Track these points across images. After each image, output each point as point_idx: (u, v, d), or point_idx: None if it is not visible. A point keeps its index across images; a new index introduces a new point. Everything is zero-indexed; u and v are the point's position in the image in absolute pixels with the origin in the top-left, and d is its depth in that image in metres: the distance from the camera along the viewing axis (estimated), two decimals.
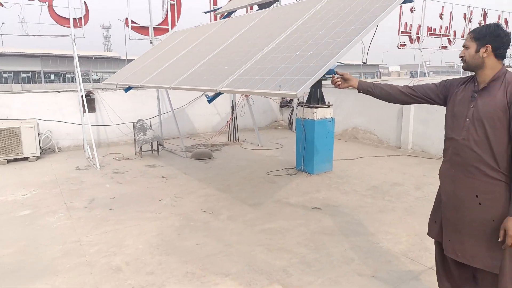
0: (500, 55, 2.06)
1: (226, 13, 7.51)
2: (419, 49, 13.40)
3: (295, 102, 10.09)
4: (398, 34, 12.82)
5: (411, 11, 12.74)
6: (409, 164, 6.71)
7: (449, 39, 14.58)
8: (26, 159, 7.22)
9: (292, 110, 10.59)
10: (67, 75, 47.33)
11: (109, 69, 45.45)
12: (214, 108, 10.16)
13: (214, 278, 3.14)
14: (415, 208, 4.60)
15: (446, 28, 14.08)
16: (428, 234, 2.49)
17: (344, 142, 8.79)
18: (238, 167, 6.69)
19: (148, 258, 3.49)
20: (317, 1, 3.98)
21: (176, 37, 7.21)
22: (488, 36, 2.03)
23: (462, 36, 14.36)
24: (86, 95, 8.06)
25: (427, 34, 13.55)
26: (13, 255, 3.57)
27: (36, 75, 46.45)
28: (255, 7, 7.30)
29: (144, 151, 7.59)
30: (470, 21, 14.57)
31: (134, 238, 3.90)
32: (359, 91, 2.53)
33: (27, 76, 45.94)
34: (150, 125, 7.71)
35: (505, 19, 16.15)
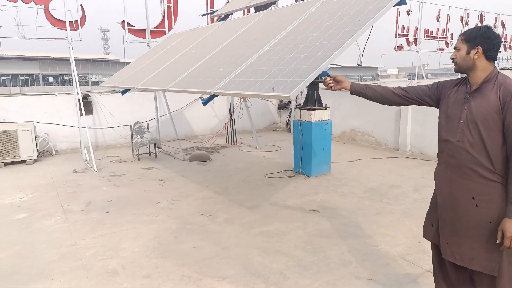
0: (491, 56, 2.06)
1: (223, 16, 7.52)
2: (416, 51, 13.44)
3: (293, 104, 10.09)
4: (396, 37, 12.86)
5: (408, 13, 12.79)
6: (407, 166, 6.71)
7: (446, 42, 14.64)
8: (23, 162, 7.19)
9: (290, 113, 10.59)
10: (65, 78, 47.29)
11: (108, 71, 45.45)
12: (212, 110, 10.16)
13: (210, 281, 3.12)
14: (413, 210, 4.59)
15: (443, 30, 14.14)
16: (424, 236, 2.48)
17: (342, 144, 8.79)
18: (236, 169, 6.67)
19: (144, 261, 3.47)
20: (311, 3, 3.99)
21: (173, 40, 7.21)
22: (479, 38, 2.04)
23: None
24: (83, 98, 8.04)
25: (424, 37, 13.60)
26: (8, 259, 3.54)
27: (35, 78, 46.39)
28: (252, 10, 7.31)
29: (141, 154, 7.57)
30: (467, 23, 14.63)
31: (131, 241, 3.87)
32: (351, 93, 2.53)
33: (25, 79, 45.88)
34: (148, 128, 7.69)
35: (502, 21, 16.23)
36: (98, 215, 4.60)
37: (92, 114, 8.45)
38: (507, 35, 16.76)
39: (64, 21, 7.17)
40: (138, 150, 7.38)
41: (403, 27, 13.06)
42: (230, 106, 8.91)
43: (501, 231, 1.99)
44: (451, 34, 14.80)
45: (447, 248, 2.24)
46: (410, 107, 7.38)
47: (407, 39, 13.24)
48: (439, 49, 14.61)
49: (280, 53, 3.20)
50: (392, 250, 3.60)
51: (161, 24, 8.87)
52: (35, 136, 7.33)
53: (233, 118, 8.88)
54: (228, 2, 8.91)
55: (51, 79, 47.86)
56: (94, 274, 3.26)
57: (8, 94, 8.09)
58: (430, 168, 6.68)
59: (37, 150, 7.37)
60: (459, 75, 2.15)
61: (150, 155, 7.69)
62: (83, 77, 48.86)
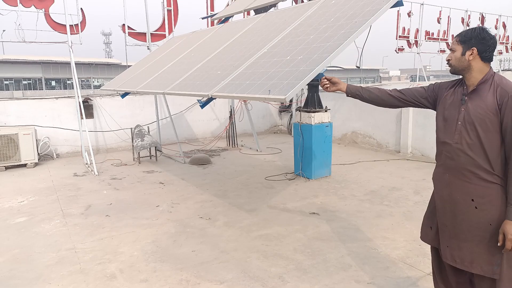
0: (486, 58, 2.06)
1: (223, 18, 7.53)
2: (417, 53, 13.40)
3: (294, 106, 10.08)
4: (396, 39, 12.82)
5: (409, 15, 12.77)
6: (408, 168, 6.67)
7: (447, 43, 14.58)
8: (24, 165, 7.20)
9: (291, 115, 10.58)
10: (68, 82, 47.47)
11: (110, 75, 45.60)
12: (213, 113, 10.16)
13: (208, 285, 3.10)
14: (413, 213, 4.56)
15: (444, 32, 14.09)
16: (422, 239, 2.46)
17: (343, 146, 8.76)
18: (236, 172, 6.66)
19: (142, 265, 3.45)
20: (310, 5, 3.98)
21: (173, 43, 7.22)
22: (474, 39, 2.04)
23: None
24: (84, 101, 8.06)
25: (425, 38, 13.56)
26: (6, 263, 3.53)
27: (37, 82, 46.62)
28: (252, 13, 7.32)
29: (142, 157, 7.57)
30: (468, 25, 14.58)
31: (130, 245, 3.86)
32: (347, 95, 2.52)
33: (28, 82, 46.11)
34: (148, 131, 7.69)
35: (503, 23, 16.17)
36: (97, 218, 4.59)
37: (93, 118, 8.47)
38: (508, 36, 16.69)
39: (65, 25, 7.19)
40: (139, 153, 7.38)
41: (403, 29, 13.03)
42: (231, 109, 8.91)
43: (502, 234, 1.97)
44: (452, 35, 14.74)
45: (447, 252, 2.21)
46: (411, 109, 7.36)
47: (408, 41, 13.20)
48: (440, 50, 14.56)
49: (277, 56, 3.19)
50: (392, 253, 3.57)
51: (162, 27, 8.88)
52: (36, 140, 7.35)
53: (233, 121, 8.87)
54: (228, 5, 8.93)
55: (53, 83, 48.08)
56: (92, 278, 3.25)
57: (9, 98, 8.13)
58: (431, 170, 6.54)
59: (38, 153, 7.38)
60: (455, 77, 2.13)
61: (150, 158, 7.69)
62: (85, 80, 49.06)
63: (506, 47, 17.00)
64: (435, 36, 13.95)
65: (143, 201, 5.19)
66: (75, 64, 7.18)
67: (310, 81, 3.15)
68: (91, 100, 8.43)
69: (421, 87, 2.39)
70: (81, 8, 7.42)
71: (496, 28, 16.15)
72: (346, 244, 3.79)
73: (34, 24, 7.07)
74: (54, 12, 7.34)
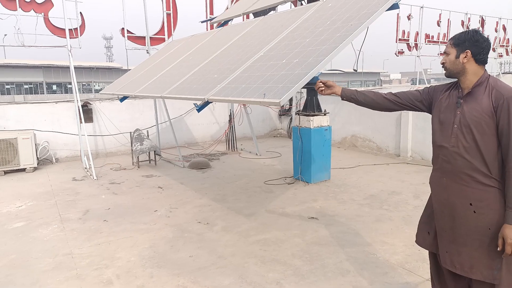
0: (480, 60, 2.05)
1: (222, 22, 7.53)
2: (417, 56, 13.40)
3: (293, 110, 10.07)
4: (396, 42, 12.83)
5: (409, 18, 12.78)
6: (408, 172, 6.65)
7: None
8: (23, 170, 7.19)
9: (291, 119, 10.57)
10: (69, 86, 47.61)
11: (111, 79, 45.74)
12: (213, 117, 10.16)
13: None
14: (413, 217, 4.52)
15: (444, 35, 14.10)
16: (419, 243, 2.43)
17: (343, 150, 8.74)
18: (235, 176, 6.64)
19: (139, 270, 3.43)
20: (306, 9, 3.98)
21: (172, 47, 7.22)
22: (467, 42, 2.03)
23: None
24: (83, 106, 8.06)
25: (425, 41, 13.57)
26: (3, 269, 3.51)
27: (39, 86, 46.78)
28: (251, 16, 7.32)
29: (141, 161, 7.56)
30: (468, 28, 14.59)
31: (127, 250, 3.84)
32: (342, 99, 2.52)
33: (29, 87, 46.27)
34: (148, 135, 7.68)
35: (503, 25, 16.18)
36: (95, 223, 4.57)
37: (92, 122, 8.46)
38: (508, 39, 16.69)
39: (64, 29, 7.21)
40: (138, 157, 7.37)
41: (403, 32, 13.05)
42: (230, 113, 8.90)
43: (501, 238, 1.95)
44: None
45: (446, 257, 2.19)
46: (410, 112, 7.34)
47: (407, 44, 13.22)
48: (441, 53, 14.56)
49: (273, 59, 3.18)
50: (391, 259, 3.54)
51: (161, 31, 8.90)
52: (35, 144, 7.35)
53: (233, 125, 8.86)
54: (227, 8, 8.95)
55: (54, 87, 48.23)
56: (88, 284, 3.22)
57: (8, 102, 8.13)
58: None
59: (37, 158, 7.37)
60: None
61: (150, 162, 7.67)
62: (86, 84, 49.21)
63: (506, 50, 17.00)
64: (435, 39, 13.96)
65: (141, 206, 5.17)
66: (76, 68, 7.20)
67: (308, 85, 3.15)
68: (90, 104, 8.43)
69: (416, 90, 2.38)
70: (80, 12, 7.45)
71: (496, 31, 16.16)
72: (344, 249, 3.76)
73: (33, 28, 7.10)
74: (54, 16, 7.37)
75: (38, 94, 43.02)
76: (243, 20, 8.37)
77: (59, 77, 46.14)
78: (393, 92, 2.46)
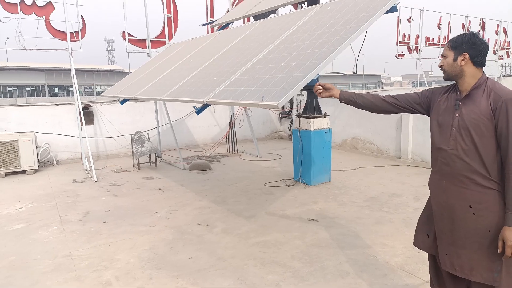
0: (478, 63, 2.05)
1: (223, 25, 7.56)
2: (418, 59, 13.40)
3: (294, 112, 10.08)
4: (397, 44, 12.84)
5: (409, 21, 12.79)
6: (408, 174, 6.64)
7: None
8: (24, 172, 7.21)
9: (292, 121, 10.58)
10: (70, 88, 47.73)
11: (113, 82, 45.71)
12: (214, 119, 10.17)
13: None
14: (413, 219, 4.51)
15: (445, 38, 14.09)
16: (417, 245, 2.42)
17: (343, 152, 8.74)
18: (236, 178, 6.64)
19: (139, 272, 3.42)
20: (306, 12, 3.99)
21: (172, 50, 7.25)
22: (465, 45, 2.04)
23: None
24: (84, 108, 8.09)
25: (425, 44, 13.57)
26: (2, 271, 3.51)
27: (41, 89, 46.92)
28: (251, 19, 7.34)
29: (142, 163, 7.57)
30: (468, 30, 14.59)
31: (126, 252, 3.83)
32: (341, 101, 2.52)
33: (31, 89, 46.42)
34: (148, 137, 7.70)
35: (504, 28, 16.18)
36: (95, 225, 4.57)
37: (93, 124, 8.49)
38: (509, 42, 16.69)
39: (65, 32, 7.24)
40: (139, 159, 7.38)
41: (404, 34, 13.05)
42: (231, 115, 8.91)
43: (501, 240, 1.94)
44: None
45: (446, 259, 2.18)
46: (411, 115, 7.34)
47: (408, 47, 13.22)
48: (440, 56, 14.59)
49: (272, 62, 3.19)
50: (391, 261, 3.53)
51: (162, 34, 8.93)
52: (36, 146, 7.36)
53: (233, 127, 8.87)
54: (228, 11, 8.97)
55: (56, 90, 48.38)
56: (87, 285, 3.22)
57: (9, 104, 8.15)
58: None
59: (38, 160, 7.39)
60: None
61: (150, 165, 7.68)
62: (88, 87, 49.35)
63: (507, 52, 16.98)
64: (435, 41, 13.97)
65: (141, 208, 5.17)
66: (78, 71, 7.25)
67: (308, 87, 3.15)
68: (91, 106, 8.46)
69: (414, 93, 2.38)
70: (82, 16, 7.48)
71: (496, 33, 16.16)
72: (344, 251, 3.75)
73: (34, 31, 7.13)
74: (55, 20, 7.40)
75: (40, 96, 43.14)
76: (244, 23, 8.40)
77: (61, 79, 46.28)
78: (391, 94, 2.47)
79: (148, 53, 8.71)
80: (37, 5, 7.37)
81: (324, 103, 6.38)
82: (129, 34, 8.55)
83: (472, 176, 2.02)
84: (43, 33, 7.37)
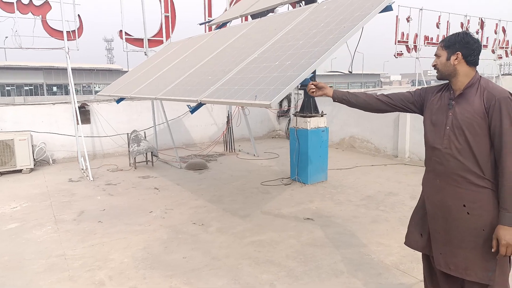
0: (471, 62, 2.05)
1: (220, 24, 7.52)
2: (416, 58, 13.39)
3: (292, 111, 10.06)
4: (395, 44, 12.82)
5: (408, 20, 12.77)
6: (405, 173, 6.62)
7: None
8: (20, 171, 7.18)
9: (290, 120, 10.56)
10: (69, 87, 47.62)
11: (111, 81, 45.31)
12: (211, 118, 10.14)
13: None
14: (409, 218, 4.48)
15: (443, 37, 14.06)
16: (410, 245, 2.41)
17: (341, 151, 8.72)
18: (232, 177, 6.62)
19: (132, 272, 3.40)
20: (302, 11, 3.97)
21: (170, 49, 7.22)
22: (458, 44, 2.03)
23: None
24: (80, 107, 8.06)
25: (424, 43, 13.55)
26: None
27: (39, 88, 46.84)
28: (249, 18, 7.31)
29: (138, 162, 7.54)
30: (467, 30, 14.57)
31: (120, 251, 3.81)
32: (334, 100, 2.52)
33: (29, 88, 46.33)
34: (145, 136, 7.67)
35: (503, 27, 16.16)
36: (89, 224, 4.55)
37: (89, 123, 8.46)
38: (508, 40, 16.68)
39: (62, 31, 7.21)
40: (135, 158, 7.35)
41: (402, 34, 13.03)
42: (228, 114, 8.89)
43: (495, 239, 1.93)
44: None
45: (441, 259, 2.17)
46: (408, 114, 7.32)
47: (407, 46, 13.19)
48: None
49: (267, 61, 3.17)
50: (386, 259, 3.52)
51: (159, 33, 8.90)
52: (32, 145, 7.33)
53: (231, 126, 8.85)
54: (226, 10, 8.94)
55: (55, 89, 48.29)
56: (80, 285, 3.20)
57: (5, 104, 8.12)
58: None
59: (34, 159, 7.36)
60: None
61: (147, 164, 7.66)
62: (87, 86, 49.27)
63: (506, 51, 16.98)
64: (434, 41, 13.94)
65: (136, 207, 5.15)
66: (77, 70, 7.28)
67: (303, 86, 3.13)
68: (88, 105, 8.43)
69: (407, 92, 2.38)
70: (78, 15, 7.45)
71: (495, 32, 16.14)
72: (340, 250, 3.73)
73: (31, 30, 7.10)
74: (51, 19, 7.37)
75: (38, 95, 43.06)
76: (242, 22, 8.38)
77: (59, 78, 46.17)
78: (385, 93, 2.46)
79: (145, 52, 8.68)
80: (34, 4, 7.34)
81: (322, 102, 6.35)
82: (126, 33, 8.52)
83: (466, 175, 2.01)
84: (40, 32, 7.34)
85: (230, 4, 9.10)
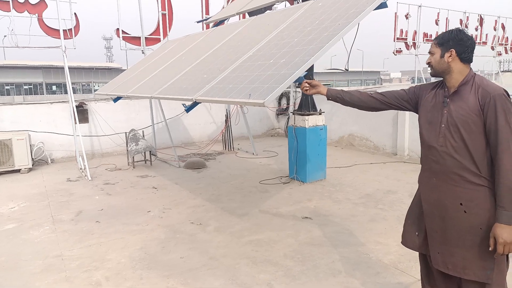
0: (465, 59, 2.03)
1: (217, 22, 7.49)
2: (415, 55, 13.35)
3: (291, 109, 10.03)
4: (394, 41, 12.79)
5: (406, 17, 12.73)
6: (404, 171, 6.60)
7: None
8: (18, 171, 7.16)
9: (289, 118, 10.53)
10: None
11: (111, 79, 45.56)
12: (210, 116, 10.12)
13: None
14: None
15: None
16: (406, 245, 2.39)
17: (340, 149, 8.70)
18: (231, 176, 6.60)
19: (129, 272, 3.39)
20: (297, 8, 3.94)
21: (167, 47, 7.19)
22: (451, 41, 2.02)
23: None
24: (78, 106, 8.04)
25: (423, 40, 13.51)
26: None
27: (38, 87, 46.78)
28: (247, 16, 7.28)
29: (137, 162, 7.52)
30: (466, 26, 14.53)
31: (118, 251, 3.80)
32: (328, 99, 2.50)
33: (29, 87, 46.27)
34: (143, 135, 7.65)
35: (502, 24, 16.12)
36: (87, 224, 4.53)
37: (88, 122, 8.43)
38: (507, 37, 16.63)
39: (58, 30, 7.17)
40: (133, 157, 7.33)
41: (401, 31, 12.99)
42: (227, 112, 8.86)
43: (492, 238, 1.92)
44: None
45: (438, 258, 2.16)
46: (407, 111, 7.30)
47: (406, 43, 13.16)
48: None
49: (261, 59, 3.14)
50: (384, 258, 3.50)
51: (156, 31, 8.87)
52: (30, 145, 7.31)
53: (229, 124, 8.82)
54: (223, 8, 8.91)
55: (54, 88, 48.22)
56: (76, 286, 3.18)
57: (3, 103, 8.09)
58: None
59: (32, 159, 7.34)
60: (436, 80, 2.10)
61: (145, 163, 7.64)
62: (86, 85, 49.20)
63: (505, 48, 16.94)
64: (433, 37, 13.90)
65: (134, 207, 5.13)
66: (76, 68, 7.30)
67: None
68: (86, 104, 8.40)
69: (402, 89, 2.37)
70: (75, 13, 7.41)
71: (495, 29, 16.10)
72: (338, 249, 3.72)
73: (27, 29, 7.07)
74: (48, 17, 7.33)
75: (38, 94, 42.99)
76: (239, 20, 8.34)
77: (58, 77, 46.08)
78: (379, 91, 2.44)
79: (142, 50, 8.64)
80: (30, 3, 7.30)
81: (321, 100, 6.29)
82: (123, 32, 8.48)
83: (462, 173, 2.00)
84: (36, 31, 7.31)
85: (228, 2, 9.06)
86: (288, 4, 6.85)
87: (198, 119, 9.83)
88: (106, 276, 3.32)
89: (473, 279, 2.04)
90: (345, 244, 3.83)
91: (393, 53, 12.96)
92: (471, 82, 2.00)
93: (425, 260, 2.38)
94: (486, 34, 15.93)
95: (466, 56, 2.01)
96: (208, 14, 9.14)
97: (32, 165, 7.32)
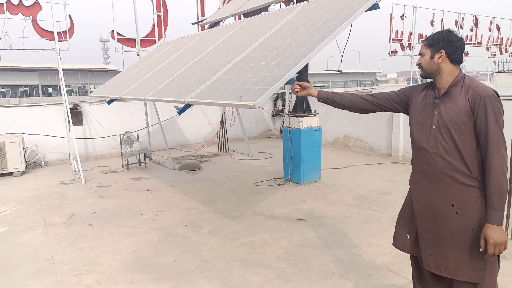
0: (455, 60, 2.03)
1: (213, 23, 7.48)
2: (411, 56, 13.39)
3: (286, 111, 10.02)
4: (389, 42, 12.83)
5: (402, 18, 12.77)
6: (399, 172, 6.60)
7: None
8: (11, 174, 7.10)
9: (284, 119, 10.53)
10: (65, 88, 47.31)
11: (107, 81, 45.46)
12: (206, 118, 10.10)
13: None
14: None
15: None
16: (398, 247, 2.38)
17: (335, 150, 8.70)
18: (225, 178, 6.58)
19: (121, 276, 3.36)
20: (290, 10, 3.94)
21: (162, 49, 7.17)
22: (441, 42, 2.02)
23: None
24: (73, 108, 8.00)
25: (418, 41, 13.56)
26: None
27: (34, 89, 46.55)
28: (242, 17, 7.27)
29: (131, 164, 7.49)
30: (461, 27, 14.61)
31: (109, 255, 3.77)
32: (319, 100, 2.50)
33: (24, 90, 46.04)
34: (138, 137, 7.62)
35: (497, 25, 16.21)
36: (79, 228, 4.50)
37: (82, 125, 8.39)
38: (502, 38, 16.72)
39: (52, 32, 7.14)
40: (128, 160, 7.30)
41: (397, 32, 13.04)
42: (222, 114, 8.85)
43: (483, 238, 1.92)
44: None
45: (430, 260, 2.15)
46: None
47: (401, 44, 13.21)
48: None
49: (254, 61, 3.13)
50: (377, 260, 3.49)
51: (151, 33, 8.84)
52: (23, 148, 7.26)
53: (224, 126, 8.81)
54: (218, 9, 8.89)
55: (50, 90, 48.01)
56: None
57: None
58: None
59: (26, 161, 7.29)
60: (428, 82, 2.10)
61: (140, 165, 7.61)
62: (82, 87, 49.00)
63: (500, 49, 17.03)
64: None
65: (128, 209, 5.10)
66: (72, 70, 7.25)
67: None
68: (80, 107, 8.36)
69: (392, 91, 2.36)
70: (69, 15, 7.38)
71: (489, 30, 16.18)
72: (331, 251, 3.71)
73: (21, 31, 7.03)
74: (42, 19, 7.30)
75: (33, 97, 42.79)
76: (235, 21, 8.33)
77: (54, 79, 45.80)
78: (371, 93, 2.44)
79: (137, 52, 8.61)
80: (24, 5, 7.26)
81: (316, 102, 6.29)
82: (118, 33, 8.45)
83: (453, 174, 2.00)
84: (30, 33, 7.27)
85: (223, 3, 9.04)
86: (283, 5, 6.87)
87: (194, 120, 9.81)
88: (97, 280, 3.29)
89: (466, 280, 2.04)
90: (339, 246, 3.82)
91: (389, 54, 13.00)
92: (461, 83, 2.00)
93: (416, 262, 2.37)
94: (481, 35, 16.02)
95: (456, 57, 2.01)
96: (204, 16, 9.12)
97: (26, 168, 7.27)
